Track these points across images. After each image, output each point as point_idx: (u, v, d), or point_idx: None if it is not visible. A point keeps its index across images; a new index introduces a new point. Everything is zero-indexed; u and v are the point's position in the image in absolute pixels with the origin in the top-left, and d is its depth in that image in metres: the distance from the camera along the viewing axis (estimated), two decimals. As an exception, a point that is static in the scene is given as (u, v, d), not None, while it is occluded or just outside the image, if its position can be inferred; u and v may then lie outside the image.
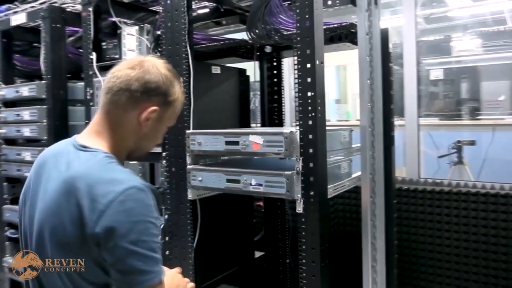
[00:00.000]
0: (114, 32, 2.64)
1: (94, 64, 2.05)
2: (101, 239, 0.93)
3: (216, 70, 2.12)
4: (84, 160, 1.02)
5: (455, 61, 4.07)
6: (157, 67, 1.10)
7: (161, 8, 1.81)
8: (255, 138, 1.53)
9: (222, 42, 2.27)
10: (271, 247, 2.44)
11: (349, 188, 1.92)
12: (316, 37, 1.43)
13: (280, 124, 2.41)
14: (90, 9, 2.07)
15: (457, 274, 2.24)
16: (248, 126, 2.35)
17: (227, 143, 1.61)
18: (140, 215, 0.95)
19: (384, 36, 1.96)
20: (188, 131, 1.72)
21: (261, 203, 2.55)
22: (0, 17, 2.67)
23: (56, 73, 2.34)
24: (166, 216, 1.85)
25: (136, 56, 1.14)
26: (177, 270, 1.25)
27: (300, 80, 1.45)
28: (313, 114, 1.43)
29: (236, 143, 1.58)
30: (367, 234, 1.84)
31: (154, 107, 1.08)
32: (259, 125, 2.44)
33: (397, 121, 3.46)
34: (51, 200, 1.00)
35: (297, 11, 1.44)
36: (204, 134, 1.67)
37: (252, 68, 2.40)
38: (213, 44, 2.28)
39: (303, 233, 1.47)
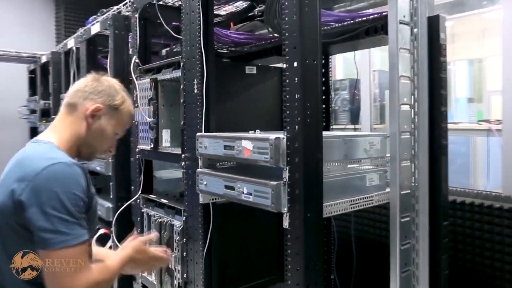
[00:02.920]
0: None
1: (131, 67, 2.16)
2: (25, 204, 1.07)
3: (251, 70, 2.05)
4: (31, 148, 1.23)
5: None
6: (107, 80, 1.36)
7: (182, 10, 1.81)
8: (246, 143, 1.42)
9: (269, 41, 2.18)
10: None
11: (380, 203, 1.67)
12: (306, 32, 1.26)
13: (328, 127, 2.21)
14: (136, 15, 2.18)
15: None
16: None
17: (225, 147, 1.53)
18: (59, 184, 1.09)
19: (434, 25, 1.65)
20: (198, 134, 1.68)
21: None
22: (88, 27, 3.00)
23: (118, 75, 2.50)
24: (184, 218, 1.86)
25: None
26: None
27: (287, 81, 1.30)
28: (298, 119, 1.27)
29: (232, 148, 1.49)
30: (396, 259, 1.59)
31: (98, 105, 1.29)
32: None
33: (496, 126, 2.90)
34: (2, 178, 1.19)
35: (286, 3, 1.29)
36: (208, 137, 1.62)
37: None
38: (260, 43, 2.20)
39: (289, 251, 1.33)
